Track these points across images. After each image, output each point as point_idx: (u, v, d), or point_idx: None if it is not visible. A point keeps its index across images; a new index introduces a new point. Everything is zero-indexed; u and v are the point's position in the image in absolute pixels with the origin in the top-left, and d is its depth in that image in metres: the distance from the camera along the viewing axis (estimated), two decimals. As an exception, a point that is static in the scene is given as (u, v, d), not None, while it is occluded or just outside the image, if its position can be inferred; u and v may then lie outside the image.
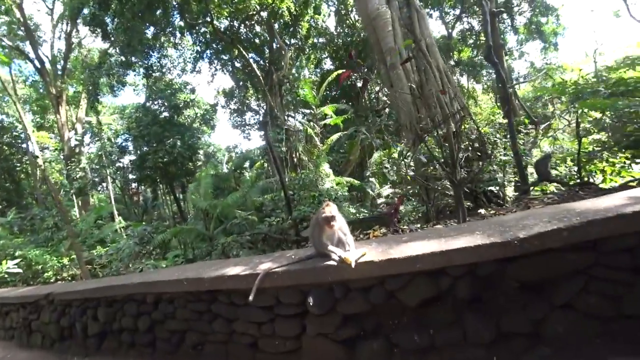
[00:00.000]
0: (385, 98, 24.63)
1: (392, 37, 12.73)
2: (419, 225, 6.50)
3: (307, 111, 16.15)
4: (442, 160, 6.20)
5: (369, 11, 13.45)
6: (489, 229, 3.16)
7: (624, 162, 8.49)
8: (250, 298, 3.50)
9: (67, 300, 5.94)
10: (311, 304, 3.42)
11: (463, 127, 9.97)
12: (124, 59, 19.11)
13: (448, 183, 9.42)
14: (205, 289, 4.20)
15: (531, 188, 8.12)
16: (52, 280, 13.39)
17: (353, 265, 3.12)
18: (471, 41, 22.10)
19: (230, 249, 10.40)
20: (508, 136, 9.80)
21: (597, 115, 10.39)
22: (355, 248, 3.39)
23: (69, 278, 13.31)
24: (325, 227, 3.37)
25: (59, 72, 23.57)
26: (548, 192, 8.46)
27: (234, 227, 11.61)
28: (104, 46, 22.55)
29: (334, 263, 3.34)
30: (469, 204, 9.41)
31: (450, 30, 23.25)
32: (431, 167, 9.26)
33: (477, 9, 22.11)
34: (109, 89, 19.50)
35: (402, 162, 10.82)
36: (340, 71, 16.34)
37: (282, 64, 19.34)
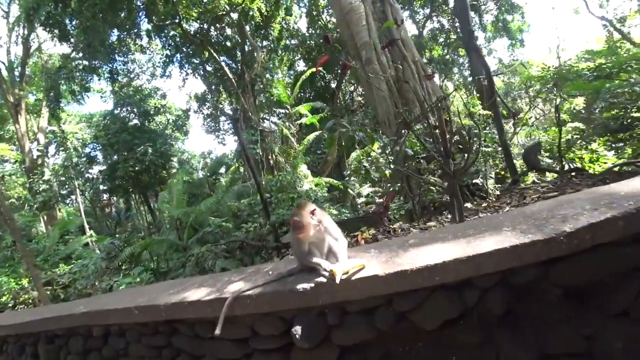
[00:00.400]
0: (360, 98, 24.07)
1: (367, 32, 12.04)
2: (408, 225, 5.76)
3: (282, 111, 15.29)
4: (434, 150, 5.47)
5: (342, 5, 12.73)
6: (520, 223, 2.42)
7: (601, 149, 8.32)
8: (217, 332, 2.63)
9: (1, 336, 4.84)
10: (297, 335, 2.58)
11: (446, 117, 9.41)
12: (86, 63, 17.63)
13: (432, 177, 8.83)
14: (163, 318, 3.29)
15: (520, 178, 7.63)
16: (10, 305, 11.93)
17: (338, 280, 2.37)
18: (441, 39, 21.84)
19: (204, 259, 9.38)
20: (488, 128, 9.35)
21: (576, 102, 10.15)
22: (347, 257, 2.59)
23: (30, 302, 11.89)
24: (299, 237, 2.61)
25: (17, 79, 21.67)
26: (537, 181, 7.99)
27: (207, 235, 10.58)
28: (67, 51, 20.88)
29: (324, 280, 2.52)
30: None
31: (420, 29, 22.95)
32: (416, 161, 8.62)
33: (447, 8, 21.90)
34: (70, 95, 17.90)
35: (386, 156, 10.14)
36: (312, 70, 15.53)
37: (254, 64, 18.36)
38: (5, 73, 21.15)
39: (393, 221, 6.85)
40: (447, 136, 5.40)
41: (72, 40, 16.68)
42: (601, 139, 8.99)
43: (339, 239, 2.67)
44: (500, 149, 7.57)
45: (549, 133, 9.48)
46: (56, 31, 15.41)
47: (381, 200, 8.74)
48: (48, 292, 12.08)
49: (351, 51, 14.27)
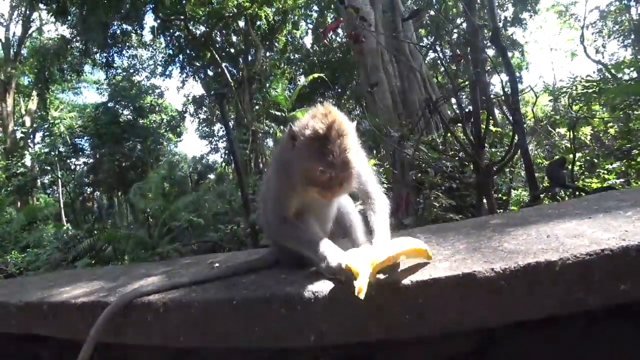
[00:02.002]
0: (358, 112, 23.02)
1: (374, 39, 10.98)
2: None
3: (278, 114, 13.97)
4: (465, 143, 4.13)
5: (352, 16, 11.74)
6: None
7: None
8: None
9: None
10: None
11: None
12: (82, 46, 16.18)
13: (439, 192, 7.47)
14: (15, 331, 1.71)
15: (543, 194, 6.34)
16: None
17: (363, 292, 0.98)
18: (442, 69, 21.09)
19: (169, 259, 7.72)
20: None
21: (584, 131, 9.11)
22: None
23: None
24: (313, 179, 1.24)
25: (11, 58, 20.04)
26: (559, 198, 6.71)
27: (180, 235, 8.93)
28: (67, 35, 19.43)
29: (330, 286, 1.01)
30: (457, 216, 7.46)
31: (422, 59, 22.26)
32: (421, 171, 7.28)
33: (448, 39, 21.32)
34: (59, 73, 16.30)
35: (385, 167, 8.80)
36: (314, 75, 14.35)
37: (255, 60, 17.13)
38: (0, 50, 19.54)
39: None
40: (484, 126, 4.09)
41: (70, 19, 15.27)
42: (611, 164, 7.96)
43: (374, 196, 1.40)
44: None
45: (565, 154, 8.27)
46: (54, 6, 14.00)
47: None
48: (-6, 280, 10.13)
49: (356, 58, 13.20)
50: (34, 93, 20.88)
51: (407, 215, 6.14)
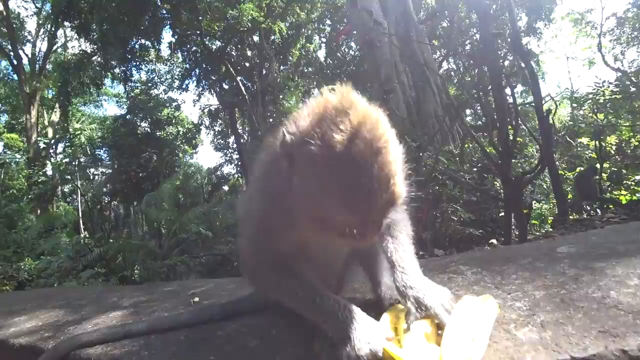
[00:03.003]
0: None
1: (389, 50, 10.67)
2: (443, 252, 3.86)
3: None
4: (494, 152, 3.70)
5: (364, 21, 11.50)
6: None
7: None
8: None
9: None
10: None
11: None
12: (102, 60, 16.43)
13: (457, 206, 6.98)
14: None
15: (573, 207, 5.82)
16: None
17: None
18: (456, 80, 20.66)
19: (175, 273, 7.41)
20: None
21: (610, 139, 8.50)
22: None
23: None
24: (330, 226, 0.74)
25: (37, 72, 20.57)
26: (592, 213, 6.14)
27: (190, 246, 8.64)
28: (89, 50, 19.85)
29: None
30: (477, 231, 6.94)
31: (436, 67, 21.91)
32: (440, 183, 6.81)
33: (462, 50, 20.96)
34: (80, 86, 16.53)
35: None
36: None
37: (269, 74, 17.07)
38: (27, 64, 20.07)
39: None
40: (513, 137, 3.66)
41: (92, 35, 15.53)
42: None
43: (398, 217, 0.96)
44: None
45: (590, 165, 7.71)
46: (77, 22, 14.28)
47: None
48: (6, 286, 10.04)
49: (370, 69, 12.90)
50: (57, 105, 21.32)
51: (424, 231, 5.69)
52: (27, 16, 22.31)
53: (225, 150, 29.35)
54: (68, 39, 21.57)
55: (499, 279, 0.90)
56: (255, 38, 21.83)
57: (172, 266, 7.55)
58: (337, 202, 0.70)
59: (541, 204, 8.87)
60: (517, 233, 3.35)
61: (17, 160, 23.08)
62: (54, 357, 0.96)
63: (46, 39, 20.72)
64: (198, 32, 17.96)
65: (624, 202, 7.06)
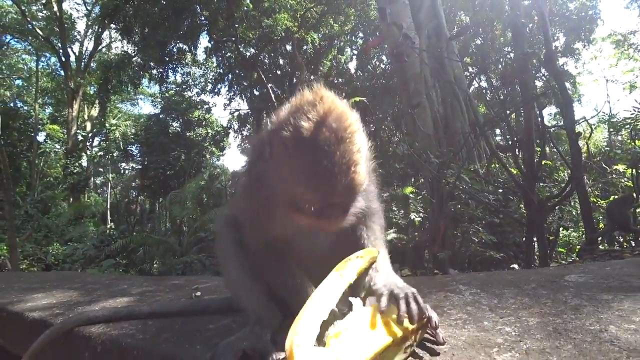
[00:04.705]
0: (395, 144, 22.48)
1: (418, 64, 10.61)
2: (457, 271, 3.76)
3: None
4: (517, 175, 3.60)
5: (395, 37, 11.50)
6: None
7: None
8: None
9: None
10: None
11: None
12: (141, 61, 17.28)
13: (479, 226, 6.78)
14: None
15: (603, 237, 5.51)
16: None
17: None
18: (488, 98, 20.19)
19: (192, 269, 7.57)
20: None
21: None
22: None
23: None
24: (299, 207, 0.82)
25: (82, 69, 21.86)
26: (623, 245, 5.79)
27: (205, 244, 8.82)
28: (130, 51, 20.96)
29: None
30: (498, 254, 6.69)
31: (467, 87, 21.54)
32: (462, 203, 6.64)
33: (494, 68, 20.52)
34: (119, 85, 17.43)
35: (422, 197, 8.22)
36: (357, 99, 14.19)
37: (299, 83, 17.33)
38: (73, 60, 21.38)
39: (429, 266, 4.83)
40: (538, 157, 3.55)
41: (134, 37, 16.39)
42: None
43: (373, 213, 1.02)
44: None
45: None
46: (121, 25, 15.13)
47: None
48: (34, 267, 10.59)
49: (399, 82, 12.86)
50: (97, 101, 22.53)
51: (443, 249, 5.56)
52: (78, 17, 23.93)
53: (252, 155, 29.90)
54: (112, 40, 22.91)
55: (495, 301, 0.87)
56: (288, 47, 22.31)
57: (189, 263, 7.72)
58: (302, 182, 0.77)
59: (569, 231, 8.45)
60: (538, 260, 3.22)
61: (57, 150, 24.48)
62: (61, 330, 1.02)
63: (93, 39, 22.04)
64: (233, 38, 18.56)
65: (661, 236, 6.61)
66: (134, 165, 26.49)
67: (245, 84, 24.66)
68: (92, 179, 23.64)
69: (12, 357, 1.35)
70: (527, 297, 0.88)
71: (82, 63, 21.89)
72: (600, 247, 6.14)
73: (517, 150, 4.03)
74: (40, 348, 0.98)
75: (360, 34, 22.91)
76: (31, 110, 24.46)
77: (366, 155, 0.84)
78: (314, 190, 0.75)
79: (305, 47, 21.91)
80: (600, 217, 7.25)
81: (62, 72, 23.18)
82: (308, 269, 0.96)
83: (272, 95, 21.60)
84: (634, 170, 6.49)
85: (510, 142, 3.89)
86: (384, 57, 21.31)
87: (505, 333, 0.69)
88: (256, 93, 25.30)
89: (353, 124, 0.81)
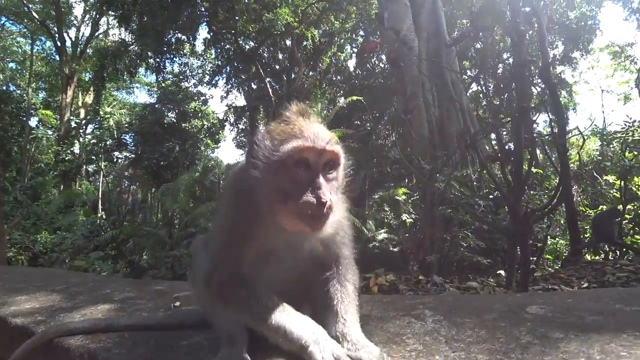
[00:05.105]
0: (393, 140, 22.53)
1: (416, 66, 10.66)
2: (442, 280, 3.84)
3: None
4: (501, 185, 3.68)
5: (392, 39, 11.52)
6: None
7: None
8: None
9: None
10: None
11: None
12: (138, 50, 17.11)
13: (468, 232, 6.88)
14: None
15: (586, 249, 5.64)
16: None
17: None
18: (484, 102, 20.29)
19: (181, 264, 7.59)
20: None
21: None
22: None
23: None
24: (287, 190, 0.94)
25: (77, 55, 21.60)
26: (602, 257, 5.91)
27: (194, 237, 8.85)
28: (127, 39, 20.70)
29: None
30: (486, 260, 6.81)
31: (464, 91, 21.63)
32: (451, 208, 6.73)
33: (492, 73, 20.61)
34: (115, 73, 17.26)
35: (413, 200, 8.32)
36: (352, 98, 14.21)
37: (297, 78, 17.30)
38: (69, 45, 21.11)
39: (414, 271, 4.90)
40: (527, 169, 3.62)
41: (132, 25, 16.20)
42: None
43: (345, 263, 1.05)
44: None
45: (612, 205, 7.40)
46: (119, 12, 14.95)
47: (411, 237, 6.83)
48: (22, 256, 10.51)
49: (396, 84, 12.91)
50: (92, 88, 22.28)
51: (431, 254, 5.63)
52: (75, 2, 23.57)
53: (246, 148, 29.84)
54: (110, 27, 22.59)
55: (453, 332, 0.92)
56: (288, 42, 22.21)
57: (178, 257, 7.74)
58: (291, 146, 0.92)
59: (557, 239, 8.60)
60: (520, 273, 3.30)
61: (49, 136, 24.20)
62: (41, 340, 1.06)
63: (90, 25, 21.79)
64: (233, 31, 18.45)
65: (644, 247, 6.76)
66: (128, 155, 26.27)
67: (243, 77, 24.53)
68: (84, 166, 23.38)
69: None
70: (485, 330, 0.93)
71: (78, 49, 21.63)
72: (587, 256, 6.26)
73: (507, 161, 4.10)
74: (22, 356, 1.02)
75: (361, 32, 22.87)
76: (24, 95, 24.08)
77: (344, 215, 1.00)
78: (300, 146, 0.90)
79: (305, 43, 21.83)
80: (588, 227, 7.39)
81: (57, 57, 22.90)
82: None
83: (270, 90, 21.54)
84: (622, 182, 6.62)
85: (499, 154, 3.95)
86: (383, 57, 21.30)
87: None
88: (254, 87, 25.20)
89: (333, 139, 1.00)
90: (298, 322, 0.87)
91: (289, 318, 0.87)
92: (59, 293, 1.70)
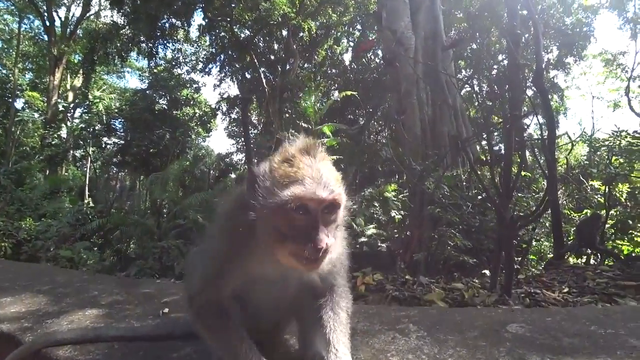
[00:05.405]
0: (384, 141, 22.61)
1: (412, 65, 10.67)
2: (428, 280, 3.91)
3: (305, 125, 13.77)
4: (489, 187, 3.75)
5: (388, 39, 11.48)
6: None
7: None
8: None
9: None
10: None
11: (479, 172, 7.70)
12: (130, 34, 16.73)
13: (454, 231, 7.00)
14: None
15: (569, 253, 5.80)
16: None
17: None
18: (477, 103, 20.48)
19: (169, 256, 7.56)
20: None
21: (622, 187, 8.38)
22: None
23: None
24: (285, 226, 0.94)
25: (67, 36, 21.02)
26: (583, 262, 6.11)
27: (187, 230, 8.80)
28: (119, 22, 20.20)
29: None
30: (472, 260, 6.95)
31: (458, 92, 21.74)
32: (439, 208, 6.82)
33: (487, 74, 20.78)
34: (105, 57, 16.87)
35: (402, 197, 8.39)
36: (346, 93, 14.20)
37: (291, 70, 17.15)
38: (58, 25, 20.52)
39: (401, 271, 4.97)
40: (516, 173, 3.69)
41: (125, 8, 15.83)
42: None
43: (340, 292, 1.08)
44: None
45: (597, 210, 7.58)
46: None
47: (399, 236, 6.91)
48: (5, 243, 10.28)
49: (391, 82, 12.91)
50: (81, 71, 21.75)
51: (418, 252, 5.73)
52: (66, -21, 22.84)
53: (238, 139, 29.60)
54: (101, 8, 22.01)
55: (436, 351, 0.96)
56: (284, 33, 21.96)
57: (166, 248, 7.70)
58: (291, 191, 0.90)
59: (541, 240, 8.81)
60: (503, 276, 3.40)
61: (35, 119, 23.60)
62: (29, 350, 1.06)
63: (81, 5, 21.17)
64: (228, 18, 18.15)
65: (625, 252, 6.97)
66: (117, 141, 25.84)
67: (237, 66, 24.21)
68: (71, 151, 22.93)
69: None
70: (466, 349, 0.97)
71: (68, 29, 21.03)
72: (570, 258, 6.44)
73: (496, 164, 4.17)
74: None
75: (358, 27, 22.73)
76: (10, 75, 23.41)
77: (342, 218, 0.97)
78: (301, 192, 0.88)
79: (301, 35, 21.61)
80: (572, 230, 7.58)
81: (46, 37, 22.24)
82: (262, 321, 1.02)
83: (264, 81, 21.34)
84: (606, 188, 6.80)
85: (489, 158, 4.02)
86: (379, 52, 21.25)
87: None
88: (248, 76, 24.92)
89: (323, 151, 0.98)
90: None
91: None
92: (45, 295, 1.69)
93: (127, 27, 18.46)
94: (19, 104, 24.30)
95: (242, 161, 27.09)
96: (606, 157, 8.19)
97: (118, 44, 16.81)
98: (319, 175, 0.90)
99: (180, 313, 1.37)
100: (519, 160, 5.99)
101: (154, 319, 1.29)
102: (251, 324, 0.97)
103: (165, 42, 18.60)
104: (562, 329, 1.10)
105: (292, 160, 0.93)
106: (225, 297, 0.98)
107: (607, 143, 7.18)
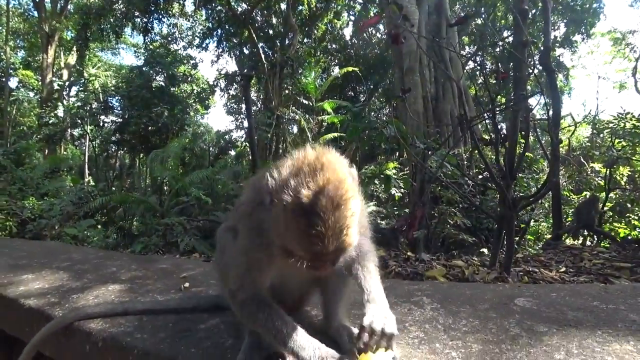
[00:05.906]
0: (385, 118, 22.43)
1: (415, 40, 10.45)
2: (429, 256, 4.00)
3: (306, 102, 13.64)
4: (495, 168, 3.77)
5: (393, 13, 11.19)
6: None
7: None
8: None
9: None
10: None
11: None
12: (124, 9, 16.23)
13: (454, 210, 7.10)
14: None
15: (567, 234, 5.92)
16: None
17: None
18: (480, 80, 20.19)
19: (172, 232, 7.67)
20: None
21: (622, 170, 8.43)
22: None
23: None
24: (293, 255, 0.92)
25: (58, 11, 20.38)
26: (581, 242, 6.24)
27: (189, 207, 8.89)
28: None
29: None
30: (471, 238, 7.10)
31: (461, 68, 21.37)
32: (440, 186, 6.89)
33: (492, 51, 20.35)
34: (99, 33, 16.45)
35: (404, 174, 8.43)
36: (347, 69, 13.98)
37: (291, 45, 16.79)
38: (48, 2, 19.88)
39: (403, 248, 5.08)
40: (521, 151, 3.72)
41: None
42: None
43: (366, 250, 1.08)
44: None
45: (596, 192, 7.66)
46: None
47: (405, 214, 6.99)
48: (9, 222, 10.39)
49: (393, 57, 12.69)
50: (74, 48, 21.25)
51: (419, 230, 5.83)
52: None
53: (237, 115, 29.35)
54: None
55: (450, 321, 1.02)
56: (283, 6, 21.35)
57: (169, 225, 7.80)
58: (296, 242, 0.87)
59: (540, 221, 8.93)
60: (504, 254, 3.48)
61: (30, 98, 23.26)
62: (61, 324, 1.12)
63: (71, -23, 20.41)
64: (225, -8, 17.57)
65: (622, 235, 7.09)
66: (114, 119, 25.61)
67: (234, 41, 23.66)
68: (68, 130, 22.75)
69: (9, 338, 1.45)
70: (478, 320, 1.03)
71: (58, 5, 20.37)
72: (567, 240, 6.56)
73: (500, 145, 4.18)
74: (42, 340, 1.08)
75: (359, 0, 22.09)
76: (1, 53, 22.88)
77: (358, 210, 0.92)
78: (307, 250, 0.85)
79: (300, 8, 21.01)
80: (571, 211, 7.67)
81: (36, 14, 21.58)
82: (286, 296, 1.08)
83: (262, 56, 20.91)
84: (607, 171, 6.84)
85: (493, 138, 4.02)
86: (380, 26, 20.74)
87: (451, 358, 0.83)
88: (246, 52, 24.40)
89: (349, 191, 0.87)
90: (309, 345, 0.95)
91: (301, 342, 0.95)
92: (65, 271, 1.75)
93: (120, 1, 17.92)
94: (13, 83, 23.91)
95: (242, 138, 27.00)
96: (609, 139, 8.18)
97: (112, 20, 16.32)
98: (335, 231, 0.84)
99: (201, 287, 1.43)
100: (522, 140, 6.00)
101: (176, 293, 1.35)
102: (276, 298, 1.02)
103: (160, 16, 18.08)
104: (566, 303, 1.16)
105: (310, 202, 0.84)
106: (263, 289, 1.04)
107: (611, 125, 7.16)
